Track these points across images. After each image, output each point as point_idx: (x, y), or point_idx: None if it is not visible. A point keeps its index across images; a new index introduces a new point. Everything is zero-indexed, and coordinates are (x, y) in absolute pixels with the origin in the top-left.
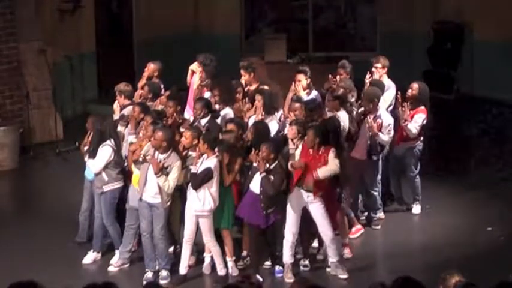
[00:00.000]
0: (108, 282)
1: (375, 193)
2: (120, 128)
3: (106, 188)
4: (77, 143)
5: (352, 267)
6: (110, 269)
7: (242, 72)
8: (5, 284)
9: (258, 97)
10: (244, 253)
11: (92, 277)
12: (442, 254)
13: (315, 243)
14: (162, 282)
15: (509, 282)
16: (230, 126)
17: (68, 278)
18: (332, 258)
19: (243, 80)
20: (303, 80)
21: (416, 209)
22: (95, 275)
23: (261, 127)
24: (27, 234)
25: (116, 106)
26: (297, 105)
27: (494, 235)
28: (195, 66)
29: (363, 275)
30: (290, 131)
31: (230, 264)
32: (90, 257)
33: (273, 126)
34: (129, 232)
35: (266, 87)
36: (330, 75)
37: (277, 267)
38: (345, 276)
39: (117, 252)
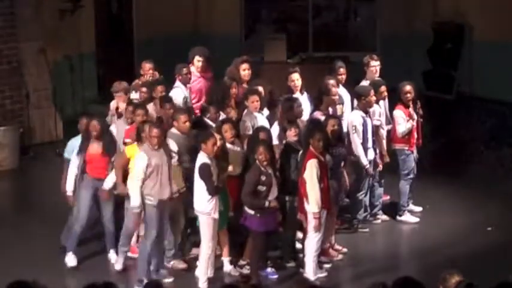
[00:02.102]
0: (108, 282)
1: (360, 197)
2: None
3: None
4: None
5: (353, 267)
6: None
7: (246, 66)
8: (4, 283)
9: (254, 97)
10: (242, 262)
11: (92, 277)
12: (442, 254)
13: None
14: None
15: (509, 282)
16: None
17: (67, 278)
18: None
19: (245, 75)
20: (299, 79)
21: (403, 216)
22: (95, 275)
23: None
24: (27, 234)
25: (113, 105)
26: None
27: (494, 235)
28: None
29: (363, 275)
30: (290, 132)
31: (226, 264)
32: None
33: (263, 121)
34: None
35: (260, 87)
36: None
37: (270, 269)
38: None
39: (112, 251)
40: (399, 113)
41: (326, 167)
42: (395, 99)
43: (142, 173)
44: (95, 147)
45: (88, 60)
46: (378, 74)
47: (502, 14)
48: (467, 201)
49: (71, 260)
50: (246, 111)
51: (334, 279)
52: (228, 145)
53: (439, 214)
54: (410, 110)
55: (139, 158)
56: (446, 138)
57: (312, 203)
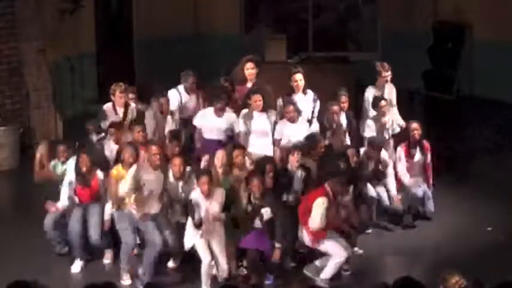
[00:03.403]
0: (108, 282)
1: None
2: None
3: None
4: (77, 144)
5: (354, 267)
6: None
7: (251, 65)
8: (4, 283)
9: (257, 97)
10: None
11: (92, 277)
12: (442, 254)
13: None
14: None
15: (509, 282)
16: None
17: (67, 278)
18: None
19: (249, 74)
20: (302, 79)
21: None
22: (95, 275)
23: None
24: (27, 234)
25: (107, 107)
26: (291, 107)
27: (494, 235)
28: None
29: (364, 275)
30: (292, 158)
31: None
32: (78, 265)
33: (261, 121)
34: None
35: (262, 87)
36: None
37: (269, 275)
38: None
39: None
40: (399, 153)
41: (337, 206)
42: (396, 99)
43: (132, 181)
44: (85, 181)
45: (88, 60)
46: (388, 83)
47: (502, 14)
48: (467, 201)
49: (76, 266)
50: (247, 110)
51: (334, 280)
52: (237, 171)
53: (439, 214)
54: (413, 150)
55: (131, 170)
56: (446, 138)
57: (314, 223)
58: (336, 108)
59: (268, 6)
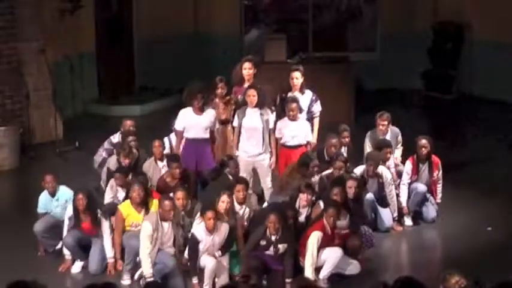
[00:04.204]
0: (107, 282)
1: None
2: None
3: None
4: (77, 143)
5: None
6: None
7: (249, 65)
8: (4, 283)
9: (252, 92)
10: None
11: (92, 278)
12: (442, 253)
13: None
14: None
15: (509, 282)
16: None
17: (67, 278)
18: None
19: (246, 74)
20: (299, 78)
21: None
22: (95, 275)
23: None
24: (27, 234)
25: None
26: (294, 105)
27: (494, 235)
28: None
29: (364, 275)
30: (303, 198)
31: None
32: (78, 266)
33: (256, 120)
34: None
35: (258, 86)
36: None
37: None
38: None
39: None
40: (407, 166)
41: (332, 239)
42: (396, 99)
43: (148, 242)
44: (84, 219)
45: (88, 60)
46: (390, 130)
47: (502, 14)
48: (467, 201)
49: (76, 266)
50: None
51: (334, 279)
52: (237, 206)
53: (439, 214)
54: (421, 166)
55: (143, 228)
56: (446, 138)
57: (307, 270)
58: (334, 141)
59: (268, 6)
